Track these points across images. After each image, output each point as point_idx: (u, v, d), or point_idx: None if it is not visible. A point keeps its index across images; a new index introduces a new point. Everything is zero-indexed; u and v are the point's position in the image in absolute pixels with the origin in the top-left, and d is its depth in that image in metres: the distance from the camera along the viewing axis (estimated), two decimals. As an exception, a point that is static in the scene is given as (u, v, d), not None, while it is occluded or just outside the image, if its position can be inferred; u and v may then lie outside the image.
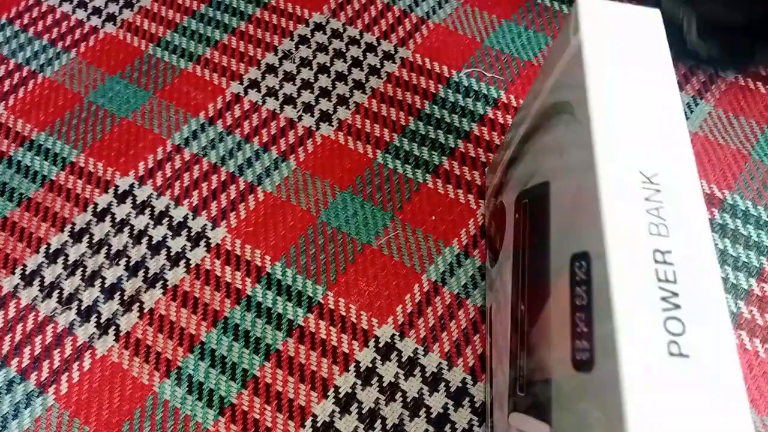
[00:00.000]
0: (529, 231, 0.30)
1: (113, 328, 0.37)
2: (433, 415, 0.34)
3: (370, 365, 0.36)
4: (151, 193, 0.42)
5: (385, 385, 0.35)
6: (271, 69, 0.47)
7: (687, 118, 0.43)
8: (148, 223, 0.41)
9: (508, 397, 0.29)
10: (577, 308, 0.23)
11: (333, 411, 0.34)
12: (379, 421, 0.34)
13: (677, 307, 0.22)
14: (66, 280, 0.39)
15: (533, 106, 0.34)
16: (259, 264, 0.39)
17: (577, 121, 0.28)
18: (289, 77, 0.47)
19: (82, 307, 0.38)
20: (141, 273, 0.39)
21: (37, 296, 0.39)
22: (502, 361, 0.31)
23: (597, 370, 0.22)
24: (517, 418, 0.28)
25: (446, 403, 0.34)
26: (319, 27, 0.49)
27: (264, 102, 0.46)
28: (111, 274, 0.39)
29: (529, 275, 0.29)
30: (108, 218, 0.41)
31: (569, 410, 0.23)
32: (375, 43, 0.48)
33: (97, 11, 0.51)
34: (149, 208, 0.41)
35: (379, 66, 0.47)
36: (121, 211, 0.41)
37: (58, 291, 0.39)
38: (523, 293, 0.29)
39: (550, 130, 0.31)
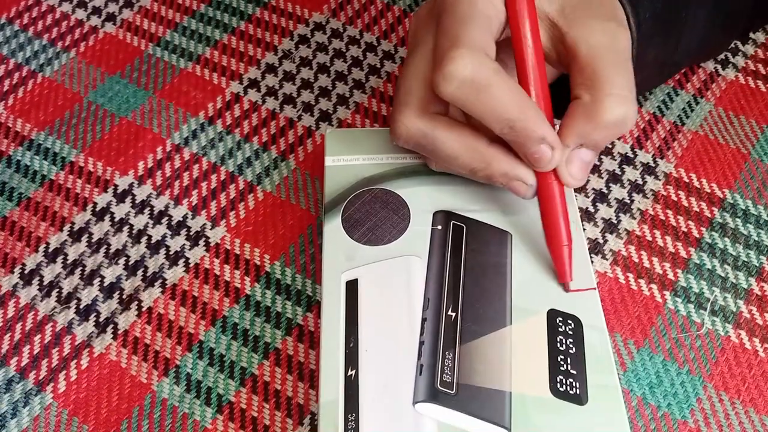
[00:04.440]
0: (468, 257, 0.34)
1: (112, 326, 0.37)
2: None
3: (369, 364, 0.36)
4: (151, 193, 0.42)
5: (383, 383, 0.35)
6: (270, 69, 0.47)
7: (687, 117, 0.43)
8: (148, 223, 0.41)
9: (415, 386, 0.31)
10: (561, 351, 0.31)
11: (331, 410, 0.34)
12: (377, 419, 0.34)
13: None
14: (65, 279, 0.39)
15: None
16: (258, 263, 0.39)
17: None
18: (288, 77, 0.47)
19: (81, 306, 0.38)
20: (140, 272, 0.39)
21: (36, 295, 0.39)
22: (382, 344, 0.32)
23: (592, 405, 0.30)
24: (443, 412, 0.30)
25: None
26: (319, 27, 0.49)
27: (264, 102, 0.46)
28: (110, 273, 0.39)
29: (471, 296, 0.33)
30: (107, 218, 0.41)
31: (536, 422, 0.30)
32: (375, 43, 0.48)
33: (96, 11, 0.52)
34: (149, 208, 0.41)
35: (379, 66, 0.47)
36: (121, 210, 0.41)
37: (57, 290, 0.39)
38: (455, 304, 0.33)
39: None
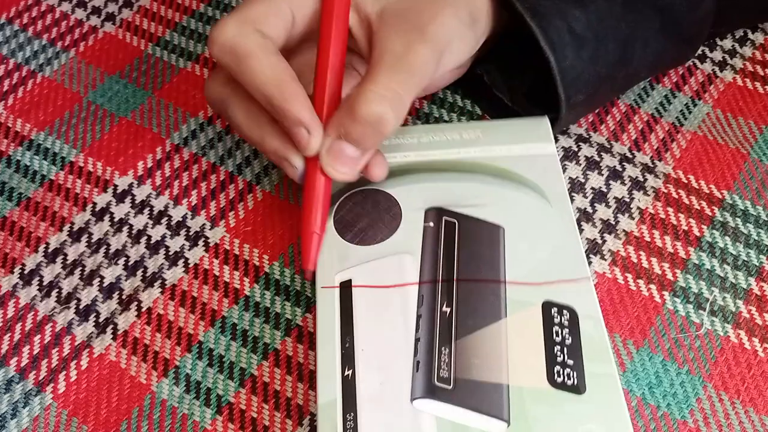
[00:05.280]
0: (461, 252, 0.35)
1: (111, 327, 0.37)
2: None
3: (369, 364, 0.36)
4: (150, 193, 0.42)
5: (383, 384, 0.35)
6: (270, 69, 0.47)
7: (685, 119, 0.43)
8: (147, 223, 0.41)
9: (413, 382, 0.31)
10: (557, 342, 0.32)
11: (331, 410, 0.34)
12: (377, 420, 0.34)
13: None
14: (65, 279, 0.39)
15: None
16: (258, 263, 0.39)
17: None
18: (288, 77, 0.47)
19: (81, 307, 0.38)
20: (140, 272, 0.39)
21: (36, 295, 0.39)
22: (378, 343, 0.32)
23: (590, 394, 0.30)
24: (441, 408, 0.31)
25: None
26: (318, 27, 0.49)
27: (263, 102, 0.46)
28: (110, 274, 0.39)
29: (465, 291, 0.34)
30: (107, 218, 0.41)
31: (534, 413, 0.30)
32: (374, 43, 0.48)
33: (96, 11, 0.52)
34: (148, 208, 0.41)
35: (378, 66, 0.47)
36: (120, 210, 0.41)
37: (56, 290, 0.39)
38: (449, 299, 0.33)
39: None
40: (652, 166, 0.41)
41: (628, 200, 0.40)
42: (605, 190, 0.40)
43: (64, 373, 0.36)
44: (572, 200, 0.40)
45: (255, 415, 0.34)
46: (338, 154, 0.33)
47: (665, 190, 0.40)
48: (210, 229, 0.40)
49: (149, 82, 0.47)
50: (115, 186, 0.42)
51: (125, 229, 0.41)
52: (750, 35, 0.47)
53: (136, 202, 0.42)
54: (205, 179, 0.42)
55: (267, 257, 0.39)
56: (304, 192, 0.34)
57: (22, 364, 0.36)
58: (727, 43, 0.47)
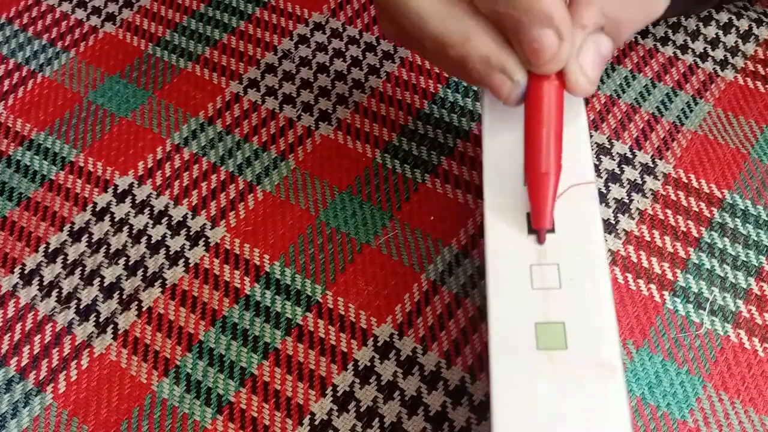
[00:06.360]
0: None
1: (112, 326, 0.37)
2: (431, 413, 0.34)
3: (369, 364, 0.36)
4: (151, 193, 0.42)
5: (383, 383, 0.35)
6: (270, 68, 0.47)
7: (686, 117, 0.43)
8: (148, 223, 0.41)
9: None
10: None
11: (331, 409, 0.34)
12: (377, 419, 0.34)
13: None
14: (65, 279, 0.39)
15: None
16: (258, 263, 0.39)
17: None
18: (288, 77, 0.47)
19: (81, 306, 0.38)
20: (140, 272, 0.39)
21: (36, 295, 0.39)
22: None
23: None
24: None
25: (444, 402, 0.34)
26: (318, 26, 0.49)
27: (263, 101, 0.46)
28: (110, 273, 0.39)
29: None
30: (107, 218, 0.41)
31: None
32: (374, 43, 0.48)
33: (96, 11, 0.52)
34: (148, 208, 0.41)
35: (378, 65, 0.47)
36: (121, 210, 0.41)
37: (57, 290, 0.39)
38: None
39: None
40: (652, 166, 0.41)
41: (627, 201, 0.40)
42: (604, 192, 0.40)
43: (64, 372, 0.36)
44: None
45: (255, 415, 0.34)
46: (591, 54, 0.25)
47: (663, 193, 0.40)
48: (210, 229, 0.40)
49: (149, 82, 0.47)
50: (116, 186, 0.42)
51: (125, 228, 0.41)
52: (754, 29, 0.47)
53: (137, 202, 0.42)
54: (205, 179, 0.42)
55: (268, 257, 0.39)
56: (527, 119, 0.26)
57: (23, 364, 0.37)
58: (730, 39, 0.46)
